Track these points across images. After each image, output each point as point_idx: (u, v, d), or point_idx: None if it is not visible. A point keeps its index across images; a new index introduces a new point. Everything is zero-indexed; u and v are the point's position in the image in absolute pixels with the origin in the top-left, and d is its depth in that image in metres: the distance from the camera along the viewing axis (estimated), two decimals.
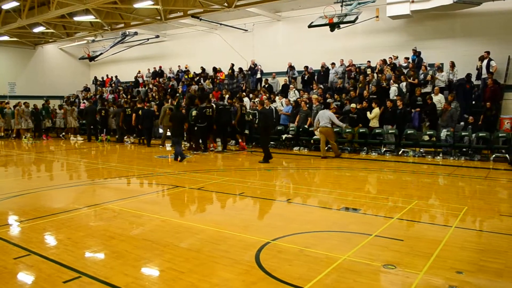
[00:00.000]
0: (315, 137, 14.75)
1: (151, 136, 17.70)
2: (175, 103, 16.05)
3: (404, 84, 15.14)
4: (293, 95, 17.49)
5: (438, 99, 13.86)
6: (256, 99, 17.00)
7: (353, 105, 14.62)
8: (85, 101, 24.11)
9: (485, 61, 14.45)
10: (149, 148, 16.40)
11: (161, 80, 24.31)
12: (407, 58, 16.68)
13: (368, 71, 16.84)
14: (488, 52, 14.46)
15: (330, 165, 11.98)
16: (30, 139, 20.26)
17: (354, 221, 6.07)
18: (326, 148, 13.19)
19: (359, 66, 17.69)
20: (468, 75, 14.43)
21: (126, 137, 18.83)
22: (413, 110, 14.20)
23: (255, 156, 13.35)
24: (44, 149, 17.32)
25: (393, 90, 14.91)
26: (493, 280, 3.99)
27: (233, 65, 21.44)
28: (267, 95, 17.79)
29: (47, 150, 17.01)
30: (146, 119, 17.14)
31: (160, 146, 16.56)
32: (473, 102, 14.54)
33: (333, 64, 18.26)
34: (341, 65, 18.18)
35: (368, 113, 14.17)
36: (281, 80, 19.45)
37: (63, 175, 11.11)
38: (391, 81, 15.25)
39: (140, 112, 17.38)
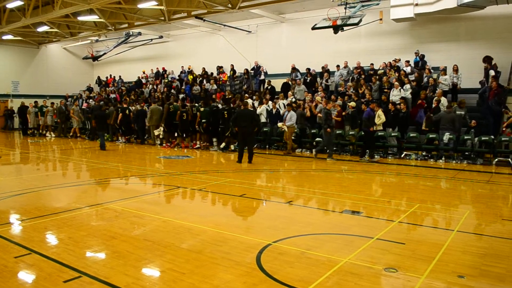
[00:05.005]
0: (317, 139, 14.77)
1: (144, 134, 18.45)
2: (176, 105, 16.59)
3: (408, 86, 15.10)
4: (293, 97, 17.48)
5: (441, 103, 13.81)
6: (256, 102, 17.05)
7: (352, 103, 14.62)
8: (89, 100, 24.22)
9: (486, 71, 14.46)
10: (148, 149, 16.43)
11: (163, 81, 24.33)
12: (408, 61, 16.65)
13: (371, 73, 16.81)
14: (489, 63, 14.43)
15: (332, 167, 11.96)
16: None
17: (356, 224, 6.05)
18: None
19: (363, 68, 17.64)
20: (500, 98, 13.59)
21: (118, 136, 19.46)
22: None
23: (256, 158, 13.31)
24: (42, 148, 17.36)
25: (396, 93, 14.86)
26: (495, 285, 3.96)
27: (233, 66, 21.44)
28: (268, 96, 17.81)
29: (45, 149, 17.05)
30: (139, 118, 17.90)
31: (158, 145, 17.23)
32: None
33: (337, 66, 18.21)
34: (345, 67, 18.12)
35: (377, 119, 14.03)
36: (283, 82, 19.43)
37: (64, 174, 11.13)
38: (395, 84, 15.18)
39: (127, 111, 18.34)
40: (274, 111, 16.42)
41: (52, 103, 23.12)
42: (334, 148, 14.01)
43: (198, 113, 15.69)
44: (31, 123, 22.94)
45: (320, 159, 13.14)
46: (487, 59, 14.47)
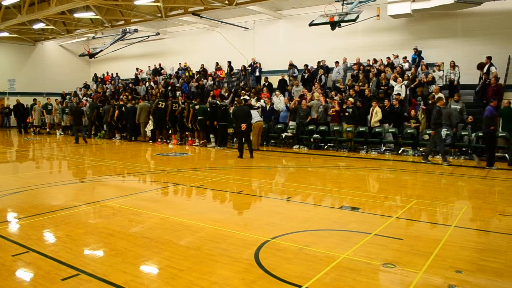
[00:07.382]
0: (315, 135, 14.77)
1: (134, 131, 18.61)
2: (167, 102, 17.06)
3: (405, 83, 15.10)
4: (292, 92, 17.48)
5: None
6: (252, 100, 17.06)
7: (350, 99, 14.60)
8: (86, 98, 24.14)
9: (486, 67, 14.39)
10: (145, 146, 16.41)
11: (160, 78, 24.26)
12: (405, 58, 16.66)
13: (368, 69, 16.82)
14: (489, 58, 14.40)
15: (329, 164, 11.97)
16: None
17: (354, 220, 6.05)
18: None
19: (362, 64, 17.62)
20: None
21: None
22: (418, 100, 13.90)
23: (254, 154, 13.28)
24: (39, 145, 17.32)
25: (397, 89, 14.85)
26: (493, 280, 3.98)
27: (230, 62, 21.41)
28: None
29: (43, 147, 17.01)
30: (130, 115, 18.04)
31: (150, 141, 17.49)
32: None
33: (336, 62, 18.16)
34: (343, 63, 18.10)
35: (374, 115, 14.05)
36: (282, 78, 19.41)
37: (61, 171, 11.10)
38: (398, 79, 15.15)
39: (123, 108, 18.52)
40: (268, 107, 16.44)
41: (62, 99, 23.01)
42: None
43: (192, 110, 15.70)
44: (36, 120, 22.87)
45: (315, 155, 13.13)
46: (487, 59, 14.46)
